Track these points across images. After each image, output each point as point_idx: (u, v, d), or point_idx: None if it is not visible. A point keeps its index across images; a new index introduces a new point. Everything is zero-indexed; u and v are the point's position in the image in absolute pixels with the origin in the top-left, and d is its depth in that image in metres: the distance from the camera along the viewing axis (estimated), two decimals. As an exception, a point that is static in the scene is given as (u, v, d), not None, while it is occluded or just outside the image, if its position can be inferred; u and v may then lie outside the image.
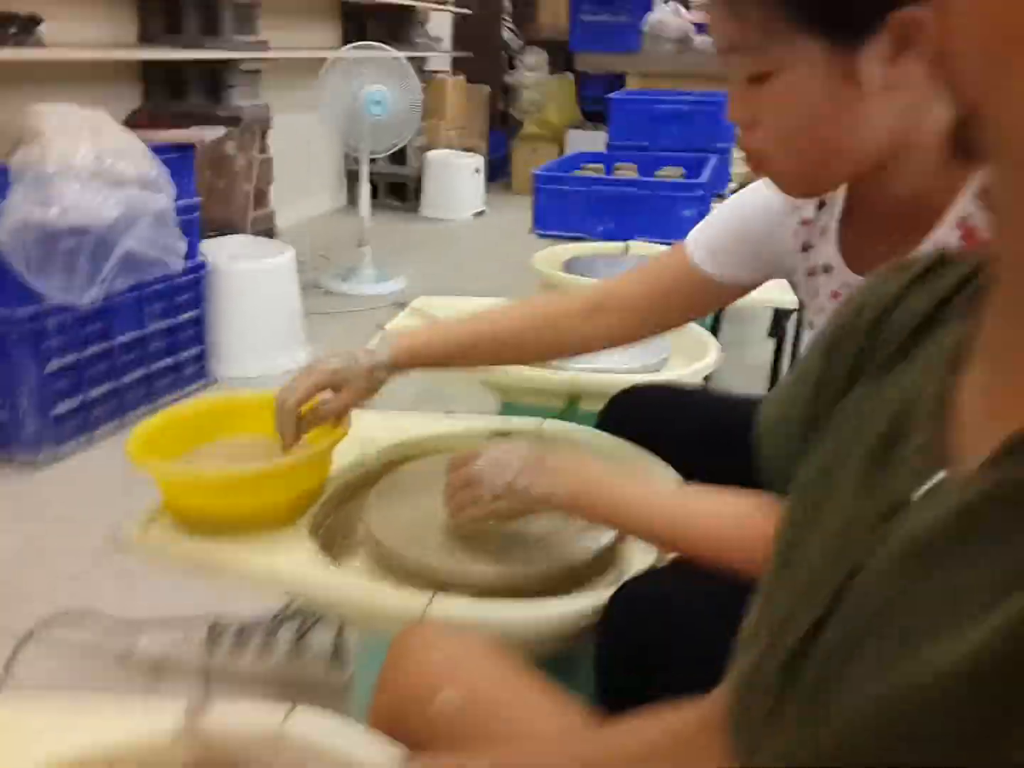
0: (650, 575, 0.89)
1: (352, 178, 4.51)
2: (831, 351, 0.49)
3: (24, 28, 2.52)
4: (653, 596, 0.82)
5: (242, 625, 1.54)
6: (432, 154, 5.10)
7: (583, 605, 0.86)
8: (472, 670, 0.70)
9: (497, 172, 5.92)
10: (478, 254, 4.37)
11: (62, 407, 2.23)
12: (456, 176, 5.07)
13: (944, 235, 0.81)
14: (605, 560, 1.00)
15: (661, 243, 2.23)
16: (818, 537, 0.40)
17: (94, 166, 1.92)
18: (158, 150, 2.30)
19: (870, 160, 0.82)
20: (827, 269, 0.93)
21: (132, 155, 2.03)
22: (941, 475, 0.36)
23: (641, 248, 2.30)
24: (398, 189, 5.21)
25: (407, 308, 1.77)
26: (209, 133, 2.46)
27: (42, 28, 2.56)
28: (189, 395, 2.61)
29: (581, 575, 0.97)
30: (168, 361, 2.54)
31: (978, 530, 0.32)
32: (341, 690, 1.38)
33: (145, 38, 3.32)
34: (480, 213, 5.17)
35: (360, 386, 1.06)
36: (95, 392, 2.33)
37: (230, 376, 2.73)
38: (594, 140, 4.90)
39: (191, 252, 2.49)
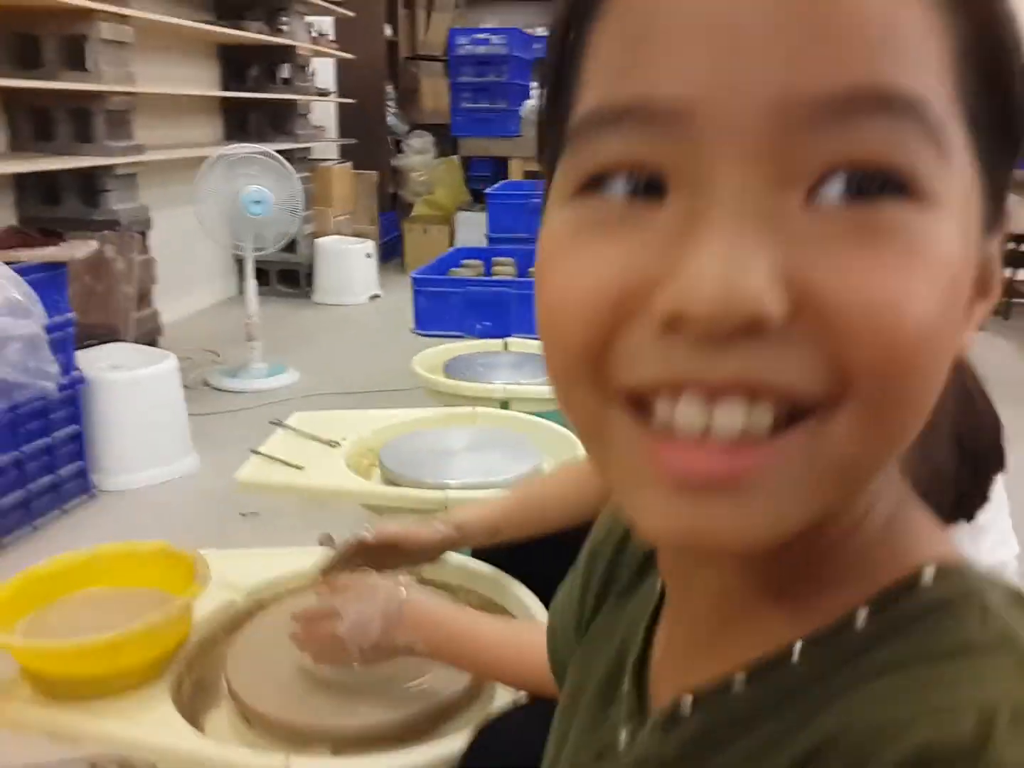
0: (510, 713, 0.92)
1: (241, 267, 4.51)
2: (591, 561, 0.52)
3: None
4: (512, 734, 0.85)
5: (121, 763, 1.50)
6: (322, 241, 5.14)
7: (445, 750, 0.89)
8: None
9: (390, 253, 6.00)
10: (373, 340, 4.40)
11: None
12: (347, 262, 5.11)
13: None
14: (470, 695, 1.03)
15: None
16: (566, 763, 0.45)
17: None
18: (28, 270, 2.28)
19: None
20: None
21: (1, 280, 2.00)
22: (633, 727, 0.40)
23: (519, 345, 2.37)
24: (289, 276, 5.22)
25: (280, 429, 1.78)
26: (81, 248, 2.44)
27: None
28: (70, 511, 2.55)
29: (446, 714, 1.00)
30: (47, 479, 2.48)
31: None
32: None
33: (16, 147, 3.29)
34: (375, 296, 5.22)
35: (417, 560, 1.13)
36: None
37: (114, 489, 2.68)
38: (481, 221, 5.04)
39: (67, 367, 2.46)
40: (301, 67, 5.17)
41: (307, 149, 5.31)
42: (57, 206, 3.39)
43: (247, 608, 1.19)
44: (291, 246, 4.73)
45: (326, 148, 5.87)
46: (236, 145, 3.55)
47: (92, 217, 3.37)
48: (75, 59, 3.21)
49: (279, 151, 3.64)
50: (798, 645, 0.34)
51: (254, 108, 4.97)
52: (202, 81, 4.68)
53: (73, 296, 2.58)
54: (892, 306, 0.28)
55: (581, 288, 0.31)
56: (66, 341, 2.47)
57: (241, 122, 4.98)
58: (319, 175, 5.23)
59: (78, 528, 2.48)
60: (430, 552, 1.12)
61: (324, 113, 5.96)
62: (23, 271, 2.23)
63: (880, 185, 0.29)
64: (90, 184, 3.38)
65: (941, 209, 0.29)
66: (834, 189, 0.29)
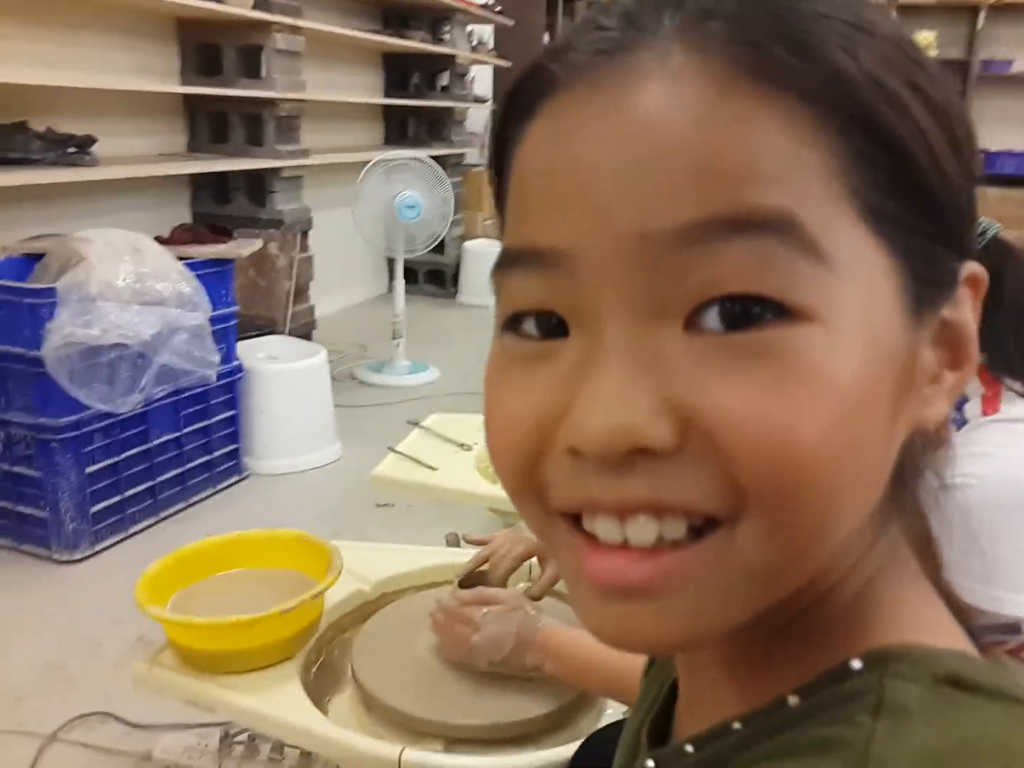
0: (615, 727, 0.94)
1: (391, 267, 4.68)
2: None
3: (81, 148, 2.72)
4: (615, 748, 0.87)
5: (252, 735, 1.60)
6: (470, 243, 5.27)
7: (555, 756, 0.91)
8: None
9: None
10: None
11: (100, 506, 2.35)
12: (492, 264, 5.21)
13: None
14: (584, 705, 1.05)
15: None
16: None
17: (134, 287, 2.06)
18: (197, 266, 2.45)
19: None
20: None
21: (170, 275, 2.17)
22: None
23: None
24: (437, 276, 5.37)
25: (417, 428, 1.85)
26: (247, 246, 2.60)
27: (95, 148, 2.76)
28: (223, 491, 2.72)
29: (559, 722, 1.02)
30: (203, 459, 2.66)
31: None
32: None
33: (194, 148, 3.53)
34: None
35: None
36: (132, 491, 2.44)
37: (262, 472, 2.84)
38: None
39: (227, 356, 2.63)
40: (460, 75, 5.31)
41: (461, 155, 5.44)
42: (227, 205, 3.62)
43: (375, 599, 1.25)
44: (440, 247, 4.86)
45: (479, 154, 6.00)
46: (394, 151, 3.69)
47: (259, 216, 3.58)
48: (251, 67, 3.42)
49: (434, 156, 3.76)
50: (736, 724, 0.35)
51: (413, 114, 5.15)
52: (366, 88, 4.88)
53: (237, 289, 2.76)
54: (775, 428, 0.29)
55: (507, 418, 0.34)
56: (228, 332, 2.64)
57: (400, 128, 5.17)
58: (470, 180, 5.35)
59: (228, 506, 2.65)
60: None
61: (479, 119, 6.10)
62: (193, 266, 2.41)
63: (757, 308, 0.29)
64: (258, 185, 3.59)
65: (825, 321, 0.30)
66: (711, 317, 0.30)
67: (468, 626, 1.03)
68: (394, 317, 3.82)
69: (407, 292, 3.91)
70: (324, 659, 1.15)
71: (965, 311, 0.35)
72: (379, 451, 1.81)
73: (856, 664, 0.33)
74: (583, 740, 0.91)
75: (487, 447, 0.36)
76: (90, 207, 3.01)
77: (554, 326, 0.33)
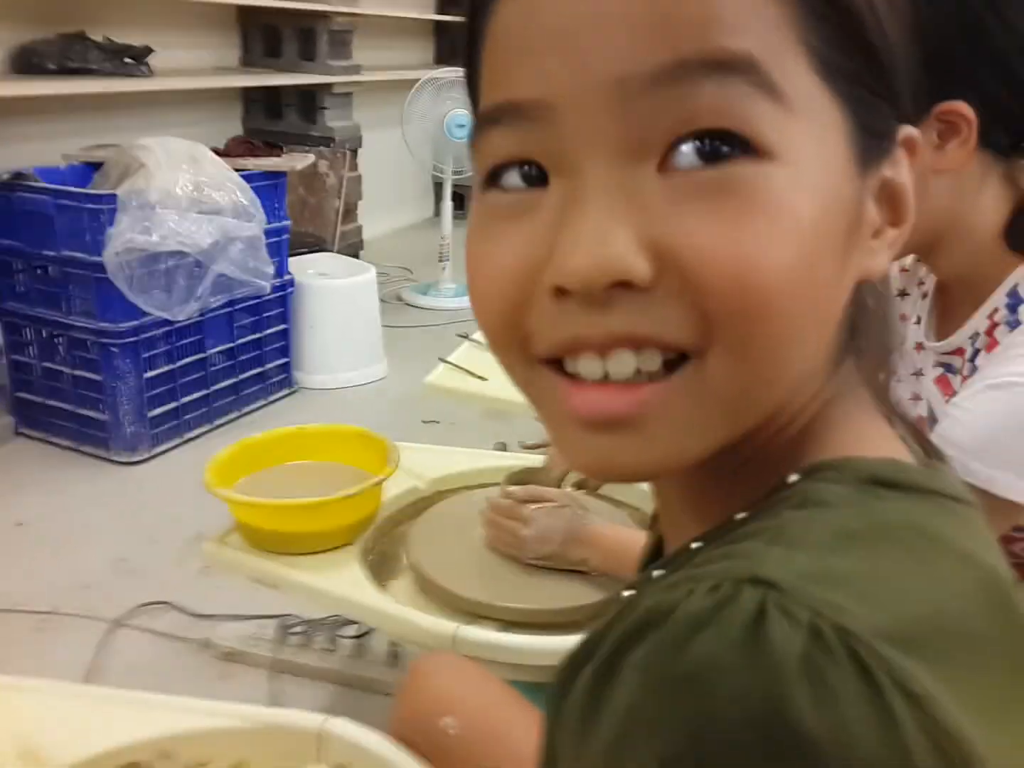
0: None
1: (439, 190, 4.67)
2: None
3: (137, 59, 2.73)
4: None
5: (308, 624, 1.68)
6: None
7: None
8: (472, 699, 0.80)
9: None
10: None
11: (158, 411, 2.43)
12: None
13: (976, 323, 0.86)
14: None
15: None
16: None
17: (192, 196, 2.10)
18: (252, 177, 2.47)
19: (917, 241, 0.85)
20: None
21: (227, 185, 2.20)
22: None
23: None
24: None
25: (467, 341, 1.88)
26: (300, 160, 2.62)
27: (151, 59, 2.77)
28: (274, 404, 2.79)
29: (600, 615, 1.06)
30: (255, 371, 2.72)
31: None
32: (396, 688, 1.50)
33: (247, 63, 3.53)
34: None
35: None
36: (188, 398, 2.52)
37: (312, 387, 2.90)
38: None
39: (279, 270, 2.67)
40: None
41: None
42: (279, 120, 3.63)
43: (429, 496, 1.29)
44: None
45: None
46: (445, 69, 3.65)
47: (309, 132, 3.58)
48: (306, -22, 3.39)
49: (485, 76, 3.71)
50: (694, 544, 0.38)
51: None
52: (418, 4, 4.81)
53: (288, 206, 2.78)
54: (741, 258, 0.32)
55: (490, 272, 0.36)
56: (281, 246, 2.68)
57: (451, 46, 5.09)
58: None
59: (279, 418, 2.72)
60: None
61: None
62: (248, 178, 2.43)
63: (726, 146, 0.32)
64: (310, 101, 3.59)
65: (786, 160, 0.32)
66: (685, 156, 0.32)
67: (518, 520, 1.07)
68: (440, 240, 3.83)
69: (454, 216, 3.91)
70: (381, 548, 1.20)
71: (903, 172, 0.38)
72: (424, 371, 1.84)
73: (793, 477, 0.37)
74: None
75: (472, 303, 0.38)
76: (145, 120, 3.03)
77: (534, 177, 0.35)
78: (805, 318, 0.34)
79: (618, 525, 1.10)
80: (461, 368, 1.77)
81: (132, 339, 2.31)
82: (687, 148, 0.32)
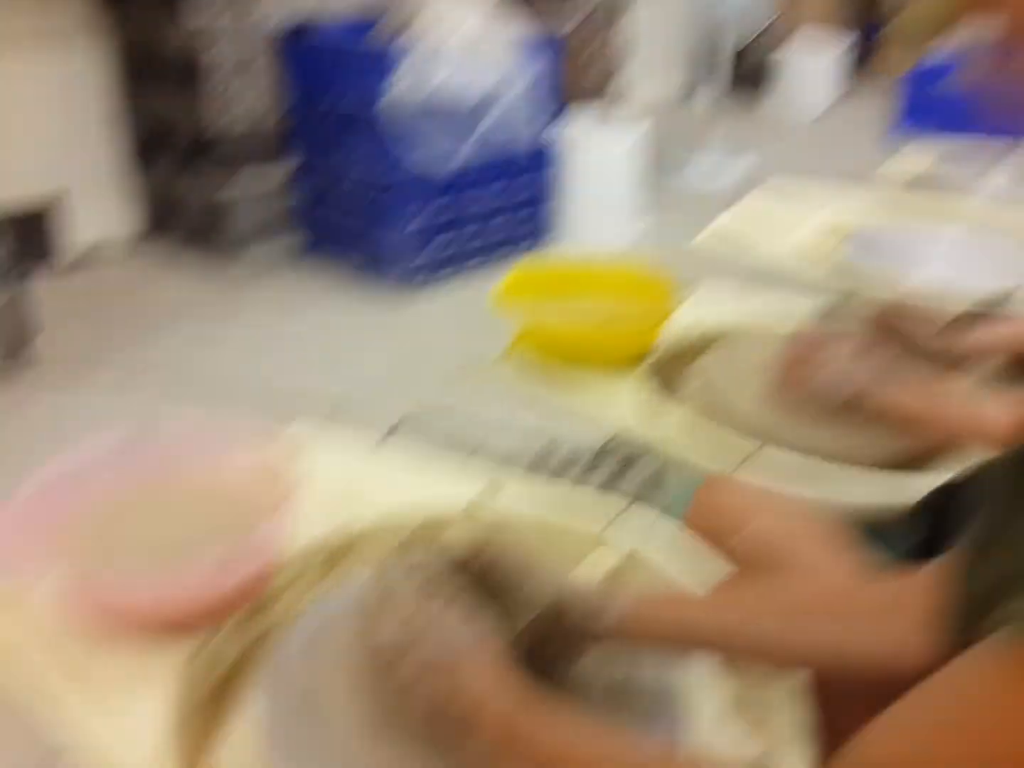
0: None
1: (704, 64, 4.46)
2: None
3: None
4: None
5: (574, 447, 1.72)
6: (789, 44, 4.88)
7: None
8: (763, 519, 0.81)
9: (859, 63, 5.53)
10: (829, 149, 4.19)
11: (436, 246, 2.56)
12: (812, 68, 4.82)
13: None
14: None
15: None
16: None
17: (467, 49, 2.13)
18: (523, 36, 2.47)
19: None
20: None
21: (500, 42, 2.21)
22: None
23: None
24: (749, 79, 5.05)
25: (759, 189, 1.82)
26: (572, 18, 2.58)
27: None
28: (539, 254, 2.84)
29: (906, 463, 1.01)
30: (512, 225, 2.78)
31: None
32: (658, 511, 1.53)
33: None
34: (835, 105, 4.91)
35: None
36: (467, 235, 2.64)
37: (570, 243, 2.94)
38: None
39: (547, 127, 2.68)
40: None
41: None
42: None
43: (713, 337, 1.27)
44: (755, 48, 4.58)
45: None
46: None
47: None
48: None
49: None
50: None
51: None
52: None
53: (560, 63, 2.77)
54: None
55: None
56: (548, 103, 2.68)
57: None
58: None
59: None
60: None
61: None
62: (520, 37, 2.42)
63: None
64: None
65: None
66: None
67: (811, 368, 1.01)
68: (703, 113, 3.68)
69: (717, 92, 3.74)
70: (664, 377, 1.19)
71: None
72: (685, 237, 1.79)
73: None
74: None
75: None
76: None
77: None
78: None
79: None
80: (738, 227, 1.72)
81: (403, 186, 2.42)
82: None
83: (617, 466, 1.55)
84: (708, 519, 0.85)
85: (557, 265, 1.32)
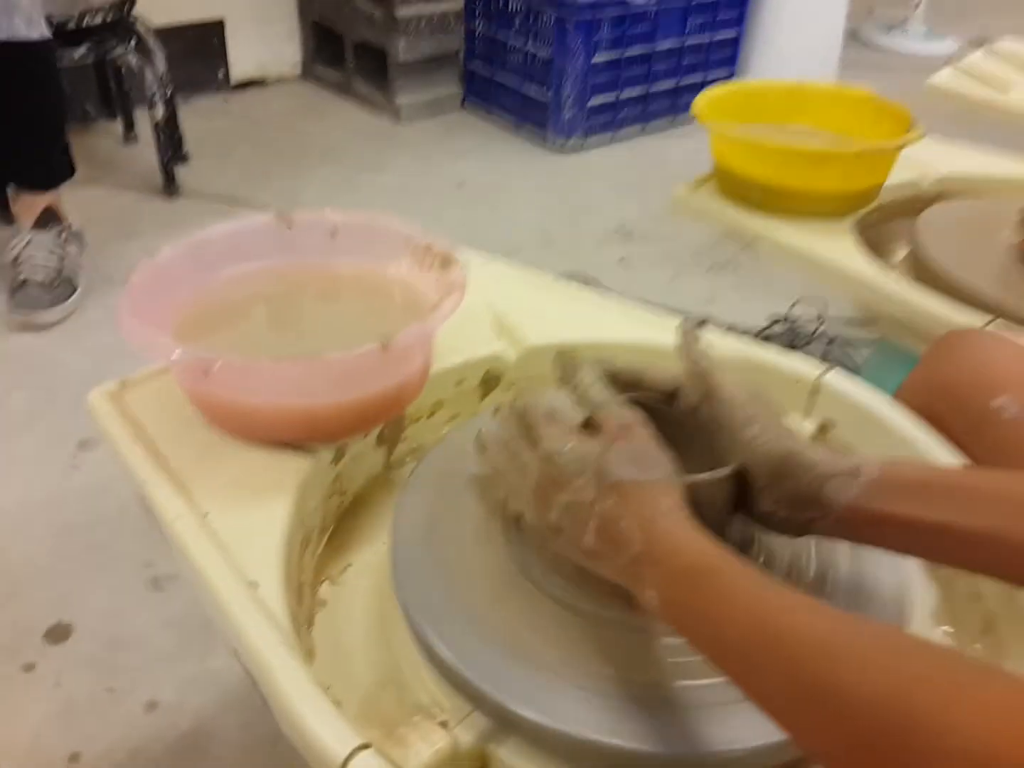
0: None
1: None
2: None
3: None
4: None
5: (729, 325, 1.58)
6: None
7: None
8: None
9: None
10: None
11: (598, 101, 2.37)
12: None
13: None
14: None
15: None
16: None
17: None
18: None
19: None
20: None
21: None
22: None
23: None
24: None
25: (986, 50, 1.54)
26: None
27: None
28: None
29: None
30: (698, 77, 2.54)
31: None
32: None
33: None
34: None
35: None
36: (628, 93, 2.42)
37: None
38: None
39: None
40: None
41: None
42: None
43: (931, 196, 1.09)
44: None
45: None
46: None
47: None
48: None
49: None
50: None
51: None
52: None
53: None
54: None
55: None
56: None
57: None
58: None
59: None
60: None
61: None
62: None
63: None
64: None
65: None
66: None
67: None
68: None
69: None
70: (880, 228, 1.04)
71: None
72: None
73: None
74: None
75: None
76: None
77: None
78: None
79: None
80: (972, 75, 1.46)
81: (586, 18, 2.22)
82: None
83: (821, 335, 1.39)
84: (956, 375, 0.68)
85: (766, 85, 1.13)
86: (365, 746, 0.43)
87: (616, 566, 0.44)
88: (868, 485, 0.46)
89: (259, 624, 0.48)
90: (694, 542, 0.42)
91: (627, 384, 0.53)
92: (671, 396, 0.54)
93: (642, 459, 0.45)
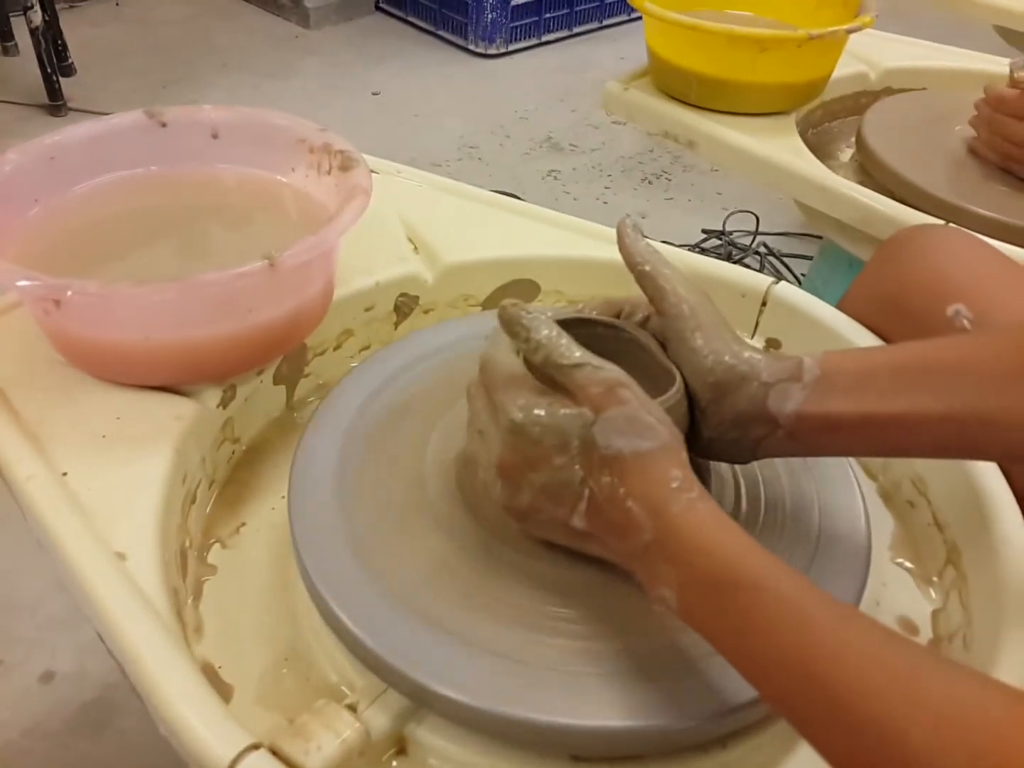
0: None
1: None
2: None
3: None
4: None
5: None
6: None
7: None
8: (991, 285, 0.58)
9: None
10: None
11: (521, 0, 2.23)
12: None
13: None
14: None
15: None
16: None
17: None
18: None
19: None
20: None
21: None
22: None
23: None
24: None
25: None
26: None
27: None
28: (638, 20, 2.49)
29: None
30: (624, -22, 2.41)
31: None
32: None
33: None
34: None
35: None
36: (552, -3, 2.29)
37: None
38: None
39: None
40: None
41: None
42: None
43: (876, 91, 1.02)
44: None
45: None
46: None
47: None
48: None
49: None
50: None
51: None
52: None
53: None
54: None
55: None
56: None
57: None
58: None
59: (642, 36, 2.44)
60: None
61: None
62: None
63: None
64: None
65: None
66: None
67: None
68: None
69: None
70: (826, 127, 0.97)
71: None
72: None
73: None
74: None
75: None
76: None
77: None
78: None
79: None
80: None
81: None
82: None
83: (757, 249, 1.33)
84: (905, 278, 0.61)
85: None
86: (255, 746, 0.36)
87: (619, 551, 0.37)
88: (812, 386, 0.40)
89: (126, 605, 0.40)
90: (720, 540, 0.34)
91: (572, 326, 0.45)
92: (616, 318, 0.46)
93: (636, 425, 0.37)
